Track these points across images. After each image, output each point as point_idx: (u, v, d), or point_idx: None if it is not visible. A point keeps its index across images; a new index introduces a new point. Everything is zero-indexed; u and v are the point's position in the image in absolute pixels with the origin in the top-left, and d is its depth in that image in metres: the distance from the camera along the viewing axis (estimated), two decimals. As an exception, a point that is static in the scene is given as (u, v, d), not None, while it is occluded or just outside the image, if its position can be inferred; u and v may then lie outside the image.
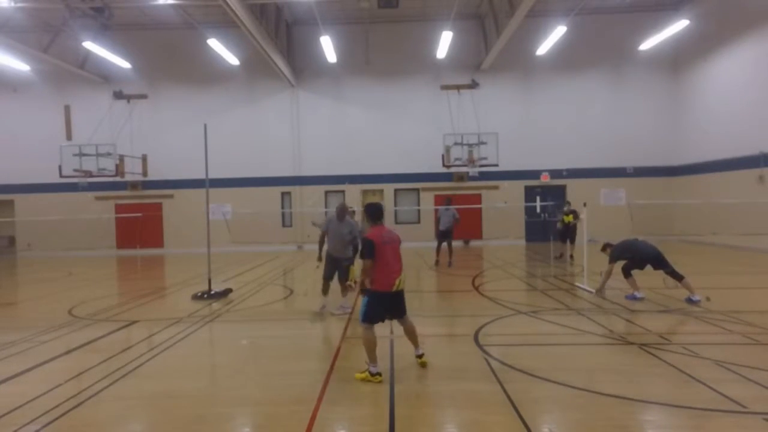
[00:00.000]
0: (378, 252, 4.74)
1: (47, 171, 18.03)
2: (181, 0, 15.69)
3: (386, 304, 4.86)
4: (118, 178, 18.46)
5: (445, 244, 13.17)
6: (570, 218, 13.48)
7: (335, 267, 7.50)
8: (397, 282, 4.80)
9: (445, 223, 13.01)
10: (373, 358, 4.69)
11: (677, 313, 7.06)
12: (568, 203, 14.06)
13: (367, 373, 4.65)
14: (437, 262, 13.24)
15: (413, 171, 19.31)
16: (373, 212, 5.03)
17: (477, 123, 18.45)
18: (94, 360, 5.49)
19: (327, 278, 7.62)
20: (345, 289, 7.39)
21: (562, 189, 19.33)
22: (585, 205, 9.42)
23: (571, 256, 13.40)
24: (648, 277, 10.54)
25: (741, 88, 15.48)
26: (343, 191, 19.52)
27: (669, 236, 18.36)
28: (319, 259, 7.66)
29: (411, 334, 5.05)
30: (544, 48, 17.33)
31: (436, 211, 15.73)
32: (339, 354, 5.53)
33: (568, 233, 13.52)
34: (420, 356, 5.01)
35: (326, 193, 19.71)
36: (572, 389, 4.30)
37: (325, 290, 7.64)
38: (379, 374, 4.63)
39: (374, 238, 4.78)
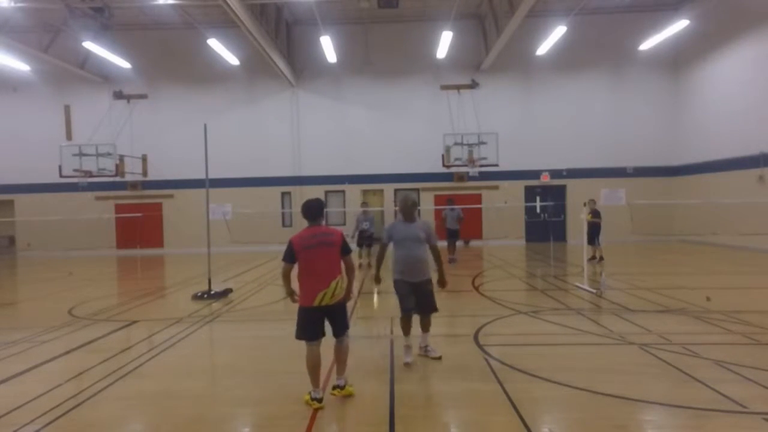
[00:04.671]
0: (299, 258, 4.10)
1: (47, 171, 18.06)
2: (181, 0, 15.69)
3: (314, 321, 4.14)
4: (118, 178, 18.49)
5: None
6: (589, 217, 12.03)
7: (415, 293, 5.11)
8: (319, 296, 4.05)
9: (452, 224, 13.31)
10: (313, 381, 4.11)
11: (677, 313, 7.06)
12: (591, 201, 12.11)
13: (308, 395, 4.13)
14: (453, 260, 13.33)
15: (413, 171, 19.31)
16: (307, 210, 4.26)
17: (477, 123, 18.45)
18: (94, 360, 5.49)
19: (410, 309, 5.18)
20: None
21: (562, 189, 19.34)
22: (585, 204, 9.41)
23: (601, 257, 12.91)
24: (648, 276, 10.55)
25: (741, 88, 15.48)
26: (343, 191, 19.53)
27: (669, 236, 18.39)
28: (378, 280, 5.29)
29: (341, 357, 4.35)
30: (544, 48, 17.32)
31: (437, 211, 15.78)
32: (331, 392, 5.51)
33: (589, 233, 12.09)
34: (337, 387, 4.30)
35: (326, 193, 19.70)
36: (572, 389, 4.30)
37: (408, 328, 5.28)
38: (317, 400, 4.04)
39: (294, 240, 4.15)
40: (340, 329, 4.29)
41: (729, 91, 16.06)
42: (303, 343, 4.19)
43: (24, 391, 4.54)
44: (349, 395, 4.27)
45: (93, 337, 6.52)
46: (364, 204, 13.57)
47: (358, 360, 5.35)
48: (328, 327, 4.27)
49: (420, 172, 19.22)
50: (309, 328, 4.14)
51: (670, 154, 18.91)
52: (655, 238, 18.09)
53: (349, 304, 4.63)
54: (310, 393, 4.12)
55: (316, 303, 4.07)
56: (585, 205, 9.72)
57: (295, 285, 4.29)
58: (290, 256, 4.12)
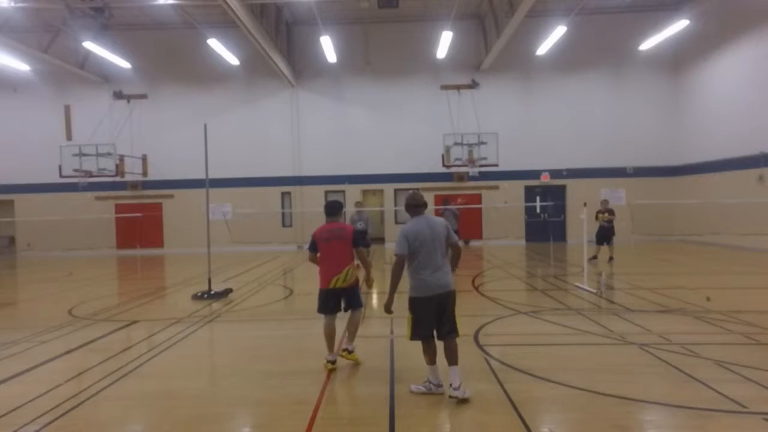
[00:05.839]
0: (319, 248, 5.03)
1: (47, 171, 18.06)
2: (181, 0, 15.68)
3: (330, 299, 5.02)
4: (118, 178, 18.49)
5: None
6: (604, 217, 12.70)
7: (442, 309, 4.21)
8: (333, 280, 4.94)
9: (450, 223, 13.21)
10: (328, 347, 5.01)
11: (677, 313, 7.06)
12: (605, 201, 12.38)
13: (325, 360, 5.01)
14: None
15: (413, 171, 19.30)
16: (326, 208, 5.21)
17: (477, 123, 18.45)
18: (94, 360, 5.49)
19: (429, 334, 4.26)
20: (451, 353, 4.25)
21: (562, 189, 19.34)
22: (585, 204, 9.39)
23: (611, 257, 12.80)
24: (648, 276, 10.54)
25: (741, 88, 15.47)
26: (343, 191, 19.52)
27: (669, 236, 18.39)
28: (390, 309, 4.32)
29: (351, 328, 5.17)
30: (544, 48, 17.32)
31: (437, 211, 15.79)
32: (339, 354, 5.53)
33: (603, 234, 12.77)
34: (346, 350, 5.11)
35: (326, 193, 19.70)
36: (572, 389, 4.30)
37: (432, 353, 4.27)
38: (331, 362, 4.94)
39: (316, 233, 5.07)
40: (353, 305, 5.09)
41: (729, 91, 16.06)
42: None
43: (24, 391, 4.53)
44: (356, 360, 5.09)
45: (93, 337, 6.52)
46: (358, 204, 13.53)
47: (359, 360, 5.36)
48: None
49: (420, 172, 19.21)
50: (326, 305, 5.02)
51: (670, 154, 18.91)
52: (656, 238, 18.09)
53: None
54: (326, 357, 4.99)
55: (331, 285, 4.95)
56: (585, 205, 9.68)
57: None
58: (313, 247, 5.09)
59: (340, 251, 4.96)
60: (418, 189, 19.17)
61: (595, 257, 12.92)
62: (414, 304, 4.22)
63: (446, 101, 19.11)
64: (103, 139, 18.33)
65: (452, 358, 4.17)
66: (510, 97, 19.38)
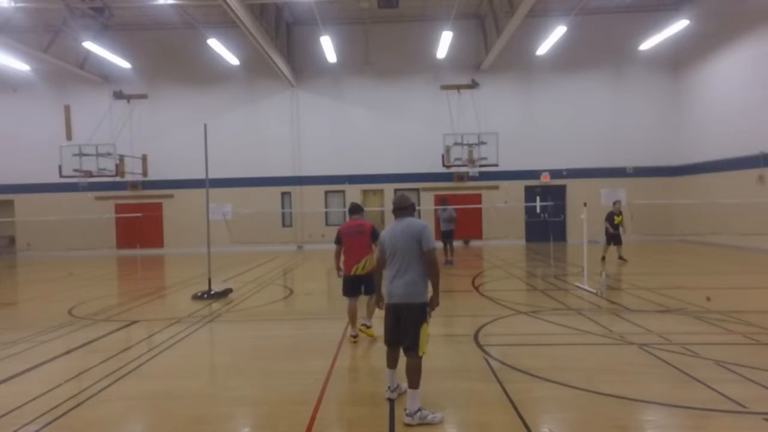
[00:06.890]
0: (343, 241, 5.99)
1: (47, 171, 18.06)
2: (181, 0, 15.68)
3: (350, 285, 6.00)
4: (118, 178, 18.48)
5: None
6: (620, 219, 12.79)
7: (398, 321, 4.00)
8: (353, 269, 5.91)
9: (447, 224, 13.15)
10: (351, 324, 6.02)
11: (677, 313, 7.06)
12: (618, 202, 12.04)
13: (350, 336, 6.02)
14: (449, 262, 13.12)
15: (413, 171, 19.30)
16: (349, 208, 6.26)
17: (477, 123, 18.45)
18: (94, 360, 5.49)
19: (387, 341, 4.17)
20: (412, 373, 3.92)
21: (562, 189, 19.33)
22: (585, 205, 9.39)
23: (620, 257, 12.87)
24: (648, 276, 10.55)
25: (741, 88, 15.47)
26: (343, 191, 19.53)
27: (669, 236, 18.39)
28: (378, 305, 4.38)
29: (369, 308, 6.05)
30: (544, 48, 17.32)
31: (436, 211, 15.79)
32: (339, 354, 5.53)
33: (615, 235, 12.81)
34: (364, 325, 5.95)
35: (326, 193, 19.71)
36: (572, 389, 4.30)
37: (389, 360, 4.25)
38: (353, 337, 5.94)
39: (341, 228, 6.09)
40: (370, 291, 5.93)
41: (729, 91, 16.05)
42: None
43: (24, 391, 4.53)
44: (371, 336, 5.91)
45: (93, 337, 6.52)
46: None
47: (358, 360, 5.36)
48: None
49: (420, 172, 19.21)
50: (348, 289, 6.04)
51: (670, 154, 18.91)
52: (655, 238, 18.10)
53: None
54: (350, 333, 6.01)
55: (352, 273, 5.93)
56: (585, 205, 9.68)
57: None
58: (338, 240, 6.08)
59: (359, 244, 5.89)
60: (417, 190, 19.20)
61: (620, 257, 12.92)
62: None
63: (446, 101, 19.10)
64: (103, 139, 18.33)
65: (410, 380, 3.85)
66: (510, 97, 19.38)
